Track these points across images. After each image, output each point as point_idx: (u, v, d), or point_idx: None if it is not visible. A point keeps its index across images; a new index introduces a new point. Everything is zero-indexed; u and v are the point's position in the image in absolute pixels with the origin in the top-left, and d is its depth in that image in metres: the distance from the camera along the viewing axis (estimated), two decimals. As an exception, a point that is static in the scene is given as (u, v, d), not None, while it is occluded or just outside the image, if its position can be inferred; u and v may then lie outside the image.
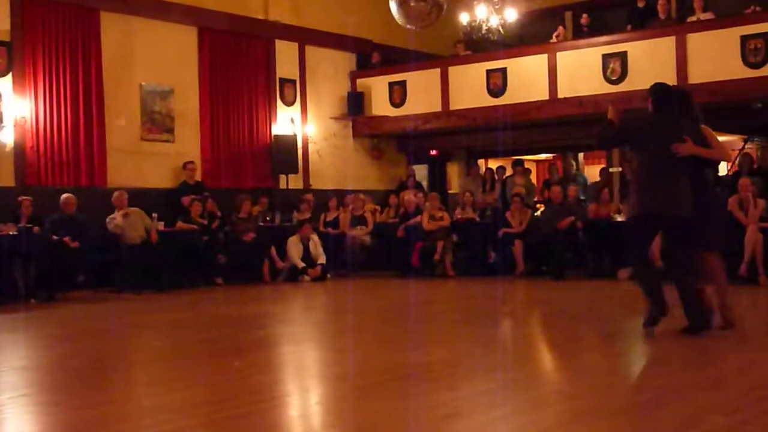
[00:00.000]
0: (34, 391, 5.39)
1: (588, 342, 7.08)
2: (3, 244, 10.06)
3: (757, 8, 12.15)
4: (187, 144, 13.48)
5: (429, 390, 5.05)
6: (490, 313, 8.85)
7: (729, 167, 12.82)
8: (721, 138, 14.40)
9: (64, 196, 11.19)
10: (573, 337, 7.17)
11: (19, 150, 11.50)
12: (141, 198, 11.92)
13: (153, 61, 13.09)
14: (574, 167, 16.05)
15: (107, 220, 11.43)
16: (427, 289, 11.61)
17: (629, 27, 13.68)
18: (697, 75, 12.31)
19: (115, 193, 11.63)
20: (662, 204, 6.54)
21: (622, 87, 12.93)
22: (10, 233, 10.19)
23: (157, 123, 13.18)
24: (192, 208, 12.30)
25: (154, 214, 11.79)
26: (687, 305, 6.62)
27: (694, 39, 12.41)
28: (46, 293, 10.43)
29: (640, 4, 13.93)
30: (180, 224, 12.15)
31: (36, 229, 10.50)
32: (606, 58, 13.12)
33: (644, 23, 13.50)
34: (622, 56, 12.97)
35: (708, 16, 12.71)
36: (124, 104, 12.72)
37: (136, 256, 11.25)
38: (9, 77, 11.41)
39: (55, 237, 10.63)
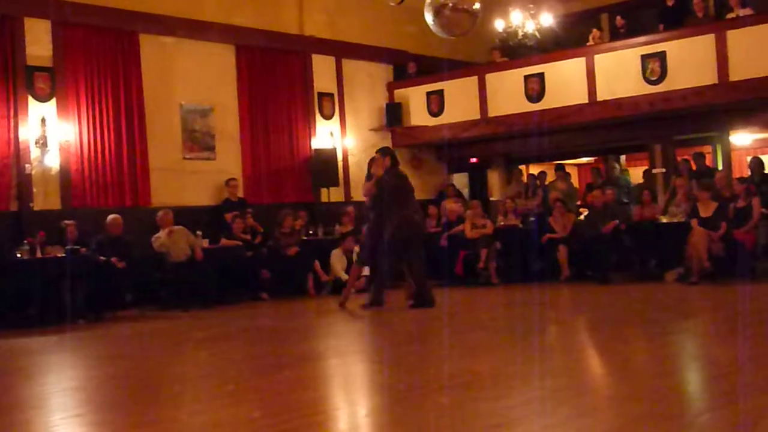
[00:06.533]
0: (86, 411, 5.46)
1: (637, 345, 7.00)
2: (51, 266, 10.22)
3: (798, 2, 12.00)
4: (228, 161, 13.60)
5: (477, 399, 5.03)
6: (536, 319, 8.78)
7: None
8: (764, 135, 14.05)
9: (111, 216, 11.34)
10: (621, 342, 7.09)
11: (65, 173, 11.67)
12: (184, 216, 12.02)
13: (192, 81, 13.23)
14: (618, 169, 15.88)
15: (152, 239, 11.55)
16: (471, 297, 11.57)
17: (662, 27, 13.55)
18: (738, 72, 12.17)
19: (160, 212, 11.75)
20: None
21: (661, 87, 12.83)
22: (58, 255, 10.35)
23: (198, 141, 13.31)
24: (234, 225, 12.39)
25: (199, 232, 11.88)
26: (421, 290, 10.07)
27: (733, 36, 12.26)
28: (94, 314, 10.55)
29: (670, 3, 13.80)
30: (224, 241, 12.25)
31: (83, 250, 10.66)
32: (645, 58, 12.99)
33: (680, 22, 13.36)
34: (661, 56, 12.85)
35: (747, 12, 12.55)
36: (165, 124, 12.87)
37: (181, 274, 11.35)
38: (53, 102, 11.61)
39: (102, 258, 10.77)
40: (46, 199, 11.51)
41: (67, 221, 11.01)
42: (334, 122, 15.24)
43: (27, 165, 11.34)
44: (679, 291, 10.60)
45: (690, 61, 12.61)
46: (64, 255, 10.36)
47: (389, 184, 10.07)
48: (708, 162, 14.17)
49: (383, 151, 10.51)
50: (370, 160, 10.57)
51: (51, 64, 11.65)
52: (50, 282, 10.24)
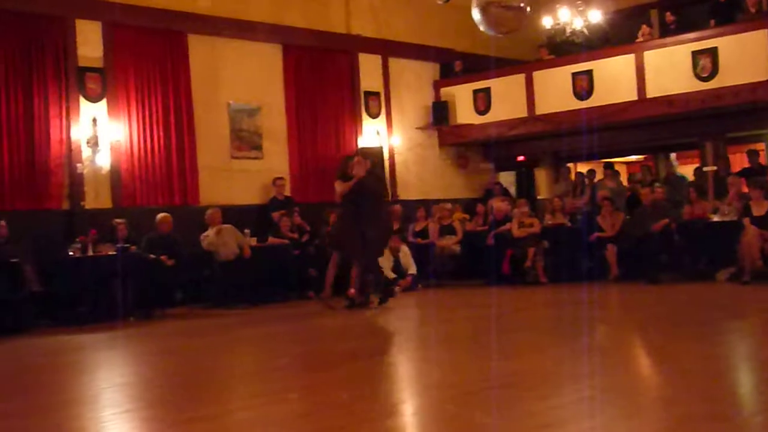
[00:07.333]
0: (137, 407, 5.53)
1: (687, 346, 6.87)
2: (102, 264, 10.37)
3: None
4: (276, 160, 13.67)
5: (525, 399, 5.00)
6: (585, 319, 8.69)
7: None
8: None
9: (160, 215, 11.46)
10: (671, 342, 6.99)
11: (115, 172, 11.83)
12: (232, 214, 12.11)
13: (240, 80, 13.33)
14: (675, 167, 15.59)
15: (201, 237, 11.66)
16: (519, 296, 11.50)
17: (713, 22, 13.35)
18: (791, 68, 11.95)
19: (209, 211, 11.85)
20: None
21: (713, 84, 12.63)
22: (109, 253, 10.50)
23: (246, 141, 13.41)
24: (281, 223, 12.46)
25: (247, 230, 11.96)
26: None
27: (787, 31, 12.05)
28: (143, 311, 10.68)
29: (722, -1, 13.61)
30: (271, 239, 12.32)
31: (133, 248, 10.80)
32: (695, 54, 12.81)
33: (732, 17, 13.14)
34: (713, 52, 12.65)
35: (801, 6, 12.31)
36: (213, 124, 12.98)
37: (230, 272, 11.44)
38: (103, 102, 11.78)
39: (151, 256, 10.90)
40: (97, 198, 11.68)
41: (117, 220, 11.16)
42: (381, 121, 15.25)
43: (79, 164, 11.52)
44: (731, 291, 10.43)
45: (742, 57, 12.40)
46: (114, 253, 10.51)
47: (371, 185, 10.50)
48: (761, 159, 13.92)
49: (364, 154, 10.99)
50: (345, 159, 11.07)
51: (102, 65, 11.82)
52: (101, 280, 10.40)
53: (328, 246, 11.60)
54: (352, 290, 10.45)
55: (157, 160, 12.25)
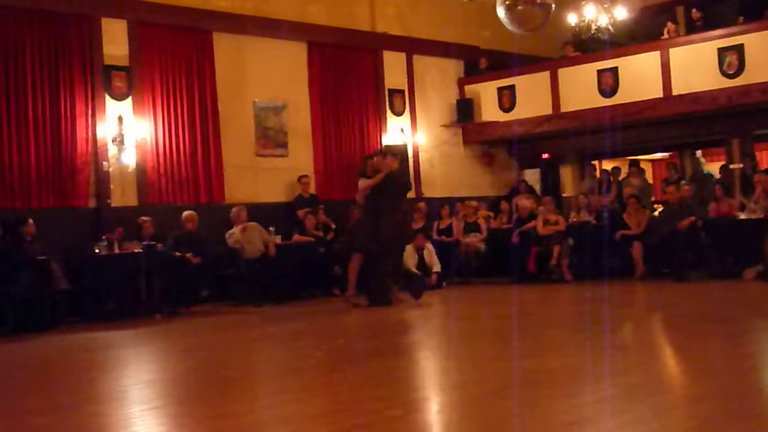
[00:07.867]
0: (164, 404, 5.57)
1: (713, 344, 6.83)
2: (128, 262, 10.46)
3: None
4: (301, 158, 13.70)
5: (550, 397, 4.99)
6: (610, 317, 8.66)
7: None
8: None
9: (186, 213, 11.53)
10: (697, 340, 6.94)
11: (141, 170, 11.90)
12: (257, 212, 12.16)
13: (265, 78, 13.37)
14: (703, 164, 15.45)
15: (226, 235, 11.71)
16: (544, 294, 11.47)
17: (741, 19, 13.23)
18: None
19: (234, 209, 11.90)
20: None
21: (739, 81, 12.54)
22: (135, 251, 10.58)
23: (271, 138, 13.45)
24: (306, 221, 12.49)
25: (272, 228, 12.01)
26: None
27: (815, 28, 11.94)
28: (169, 308, 10.75)
29: (750, -5, 13.50)
30: (296, 237, 12.35)
31: (159, 246, 10.86)
32: (722, 52, 12.72)
33: (759, 14, 13.02)
34: (739, 49, 12.56)
35: (829, 2, 12.18)
36: (239, 121, 13.03)
37: (255, 270, 11.48)
38: (129, 100, 11.84)
39: (177, 253, 10.97)
40: (123, 196, 11.76)
41: (143, 217, 11.24)
42: (405, 118, 15.25)
43: (105, 162, 11.60)
44: (759, 289, 10.35)
45: (769, 54, 12.31)
46: (140, 251, 10.59)
47: (396, 181, 10.65)
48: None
49: (383, 154, 11.09)
50: (366, 158, 11.21)
51: (127, 63, 11.89)
52: (127, 277, 10.49)
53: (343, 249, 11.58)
54: (351, 291, 10.64)
55: (183, 157, 12.31)
